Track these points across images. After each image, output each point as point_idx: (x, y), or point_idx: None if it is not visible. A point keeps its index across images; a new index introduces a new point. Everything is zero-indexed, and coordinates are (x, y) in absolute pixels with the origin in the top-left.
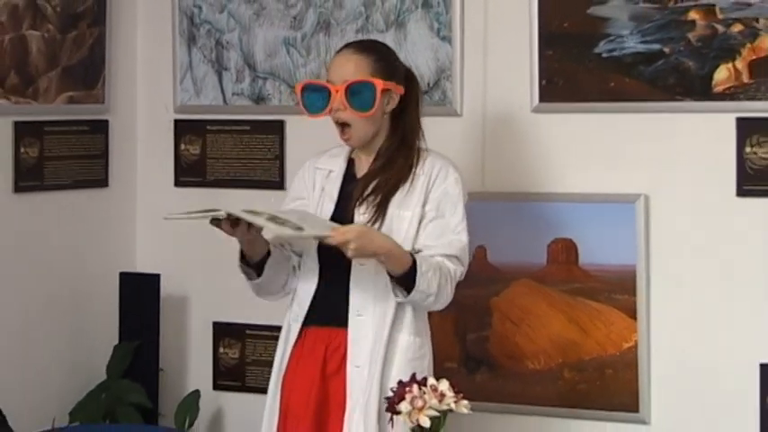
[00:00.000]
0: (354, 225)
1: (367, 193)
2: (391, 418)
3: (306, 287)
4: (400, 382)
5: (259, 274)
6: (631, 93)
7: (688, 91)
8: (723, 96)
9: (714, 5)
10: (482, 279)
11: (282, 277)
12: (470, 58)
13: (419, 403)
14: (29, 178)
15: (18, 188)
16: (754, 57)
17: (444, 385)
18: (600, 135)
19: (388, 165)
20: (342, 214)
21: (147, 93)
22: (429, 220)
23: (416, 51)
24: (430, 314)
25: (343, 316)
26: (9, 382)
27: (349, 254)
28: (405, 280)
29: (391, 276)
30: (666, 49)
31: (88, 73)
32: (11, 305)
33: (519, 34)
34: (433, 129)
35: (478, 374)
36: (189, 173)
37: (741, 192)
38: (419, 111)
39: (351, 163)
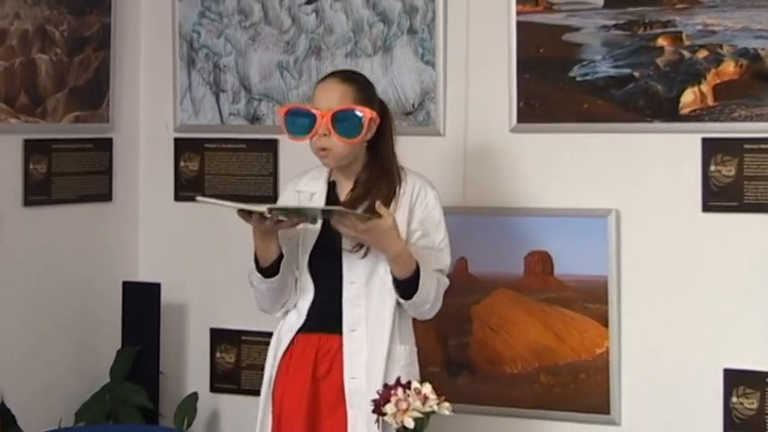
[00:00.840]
0: (377, 222)
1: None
2: (378, 420)
3: (302, 302)
4: (386, 386)
5: (273, 276)
6: (603, 114)
7: (656, 113)
8: (689, 118)
9: (681, 32)
10: (463, 288)
11: (289, 288)
12: (453, 82)
13: (404, 405)
14: (37, 193)
15: (27, 202)
16: (718, 81)
17: (427, 388)
18: (574, 154)
19: (371, 189)
20: (327, 237)
21: (148, 113)
22: (416, 239)
23: (402, 75)
24: (414, 321)
25: (337, 327)
26: (18, 385)
27: (363, 242)
28: (406, 285)
29: (395, 279)
30: (636, 74)
31: (93, 94)
32: (20, 312)
33: (498, 59)
34: (417, 147)
35: (460, 378)
36: (188, 188)
37: (706, 207)
38: (393, 138)
39: (331, 185)
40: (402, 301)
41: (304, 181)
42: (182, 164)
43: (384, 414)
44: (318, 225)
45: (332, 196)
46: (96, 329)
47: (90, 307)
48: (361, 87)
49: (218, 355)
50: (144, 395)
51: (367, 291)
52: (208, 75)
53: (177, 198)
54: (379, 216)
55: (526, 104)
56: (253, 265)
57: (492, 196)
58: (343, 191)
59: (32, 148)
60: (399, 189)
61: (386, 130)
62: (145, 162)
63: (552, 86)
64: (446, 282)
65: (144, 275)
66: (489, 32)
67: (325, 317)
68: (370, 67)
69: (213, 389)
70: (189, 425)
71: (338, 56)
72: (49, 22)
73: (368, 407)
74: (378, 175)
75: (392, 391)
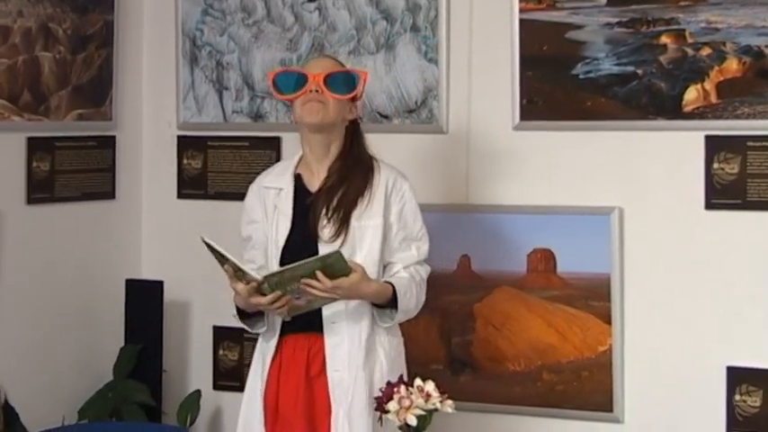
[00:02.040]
0: (346, 279)
1: (329, 207)
2: (380, 417)
3: None
4: (389, 383)
5: (259, 320)
6: (606, 112)
7: (659, 110)
8: (692, 115)
9: (684, 30)
10: (466, 286)
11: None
12: (455, 79)
13: (406, 403)
14: (40, 191)
15: (30, 200)
16: (721, 78)
17: (430, 386)
18: (577, 151)
19: (346, 179)
20: (300, 230)
21: (151, 110)
22: (395, 233)
23: (405, 72)
24: (415, 318)
25: (319, 323)
26: (22, 383)
27: (338, 298)
28: (386, 307)
29: (375, 306)
30: (639, 71)
31: (97, 92)
32: (24, 310)
33: (501, 57)
34: (420, 145)
35: (462, 376)
36: (191, 186)
37: (709, 205)
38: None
39: (298, 178)
40: (389, 325)
41: (270, 177)
42: (185, 161)
43: (387, 411)
44: (289, 221)
45: (299, 190)
46: (99, 327)
47: (93, 305)
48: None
49: (220, 352)
50: (147, 393)
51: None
52: (211, 72)
53: (180, 196)
54: (347, 273)
55: (529, 102)
56: (235, 311)
57: (495, 194)
58: (312, 182)
59: (35, 146)
60: (373, 179)
61: (359, 130)
62: (148, 160)
63: (555, 84)
64: (427, 270)
65: (147, 273)
66: (492, 30)
67: (309, 315)
68: (373, 65)
69: (216, 386)
70: (192, 422)
71: (341, 53)
72: (52, 19)
73: (350, 398)
74: (352, 165)
75: (395, 389)
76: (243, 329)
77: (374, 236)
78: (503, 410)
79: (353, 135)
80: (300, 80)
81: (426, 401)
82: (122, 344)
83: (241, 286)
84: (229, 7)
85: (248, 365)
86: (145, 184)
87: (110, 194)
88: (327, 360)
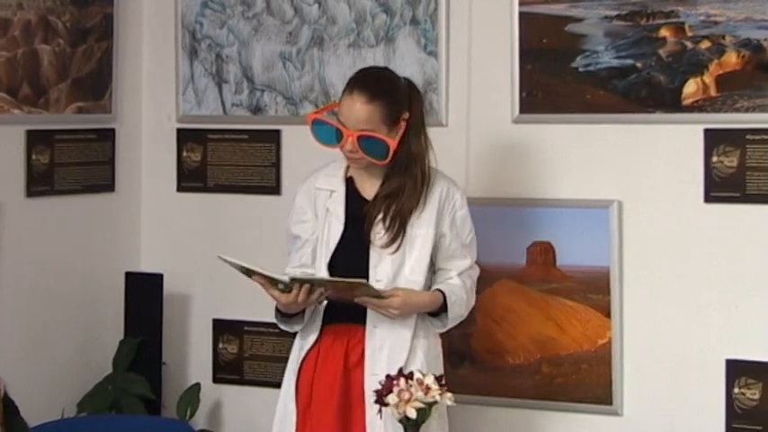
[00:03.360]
0: (396, 299)
1: (381, 216)
2: (380, 410)
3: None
4: (388, 376)
5: (298, 319)
6: (606, 105)
7: (659, 103)
8: (692, 109)
9: (684, 23)
10: None
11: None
12: (455, 72)
13: (406, 395)
14: (40, 183)
15: (30, 193)
16: (721, 72)
17: (430, 378)
18: (576, 144)
19: (400, 188)
20: (353, 235)
21: (151, 103)
22: (449, 241)
23: (404, 65)
24: None
25: (362, 316)
26: (21, 375)
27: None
28: (438, 312)
29: (428, 314)
30: (639, 64)
31: (96, 84)
32: (23, 303)
33: (501, 50)
34: None
35: (462, 368)
36: (190, 178)
37: (708, 198)
38: (424, 128)
39: (349, 181)
40: (441, 331)
41: (322, 178)
42: (184, 154)
43: (386, 404)
44: (341, 225)
45: (351, 194)
46: (99, 320)
47: (93, 297)
48: (388, 101)
49: (220, 345)
50: (146, 386)
51: (393, 288)
52: (210, 65)
53: (180, 189)
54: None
55: (529, 95)
56: (279, 319)
57: (494, 187)
58: (365, 187)
59: (35, 139)
60: (426, 189)
61: (416, 120)
62: (147, 153)
63: (555, 77)
64: (476, 274)
65: (146, 266)
66: (492, 23)
67: (351, 310)
68: (372, 58)
69: (216, 379)
70: (191, 415)
71: (341, 46)
72: (51, 12)
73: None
74: (406, 169)
75: (394, 382)
76: (243, 321)
77: (423, 244)
78: (502, 403)
79: (407, 141)
80: (338, 135)
81: (426, 394)
82: (122, 337)
83: (278, 293)
84: (229, 0)
85: (247, 358)
86: (144, 177)
87: (109, 187)
88: (366, 362)
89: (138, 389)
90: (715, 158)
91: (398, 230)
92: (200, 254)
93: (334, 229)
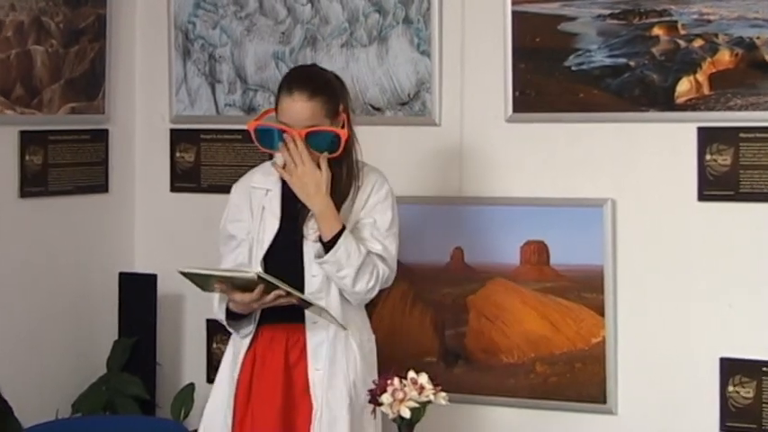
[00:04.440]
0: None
1: None
2: (374, 410)
3: None
4: (382, 376)
5: (247, 322)
6: (599, 104)
7: (652, 102)
8: (685, 107)
9: (677, 22)
10: (459, 278)
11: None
12: (448, 72)
13: (400, 395)
14: (33, 184)
15: (23, 194)
16: (714, 70)
17: (424, 378)
18: (569, 143)
19: (336, 186)
20: (287, 232)
21: (144, 104)
22: (365, 226)
23: (398, 65)
24: (402, 312)
25: (300, 318)
26: (15, 376)
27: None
28: (329, 246)
29: (320, 241)
30: (632, 63)
31: (89, 85)
32: (17, 304)
33: (494, 49)
34: (412, 138)
35: (456, 368)
36: (184, 179)
37: (702, 197)
38: (351, 120)
39: (285, 181)
40: (318, 260)
41: (257, 177)
42: (177, 155)
43: (380, 404)
44: (277, 221)
45: (287, 192)
46: (93, 320)
47: (86, 298)
48: (327, 95)
49: (214, 345)
50: (141, 386)
51: (328, 284)
52: (203, 65)
53: (173, 189)
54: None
55: (521, 94)
56: (222, 316)
57: (487, 186)
58: None
59: (28, 140)
60: (356, 183)
61: (346, 113)
62: (141, 153)
63: (548, 76)
64: (386, 273)
65: (140, 266)
66: (485, 22)
67: (287, 309)
68: (365, 58)
69: (210, 380)
70: (186, 416)
71: (334, 46)
72: (44, 13)
73: (329, 397)
74: (340, 172)
75: (388, 381)
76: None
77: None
78: (496, 402)
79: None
80: (281, 136)
81: (420, 394)
82: (116, 337)
83: (239, 294)
84: (222, 0)
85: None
86: (138, 178)
87: (103, 188)
88: (309, 358)
89: (132, 389)
90: (708, 157)
91: None
92: (193, 254)
93: (270, 225)
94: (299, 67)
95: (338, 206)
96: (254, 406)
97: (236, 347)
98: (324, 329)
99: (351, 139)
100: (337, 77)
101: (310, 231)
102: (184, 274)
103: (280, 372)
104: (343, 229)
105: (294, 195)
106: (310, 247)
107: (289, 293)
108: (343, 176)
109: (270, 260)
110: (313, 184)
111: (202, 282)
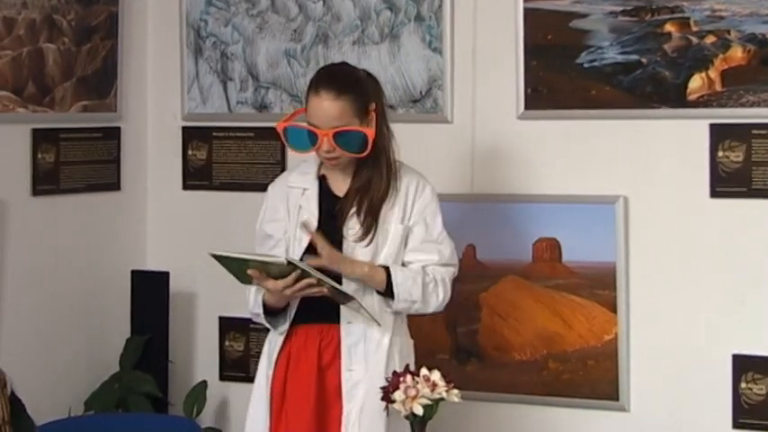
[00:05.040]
0: (325, 251)
1: (354, 210)
2: (386, 407)
3: None
4: (395, 373)
5: (283, 317)
6: (611, 101)
7: (664, 99)
8: (697, 104)
9: (689, 18)
10: (471, 276)
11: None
12: (460, 69)
13: (412, 392)
14: (46, 182)
15: (36, 191)
16: (726, 66)
17: (436, 375)
18: (581, 140)
19: (369, 180)
20: (325, 232)
21: (156, 101)
22: (416, 235)
23: (409, 62)
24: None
25: (335, 318)
26: (28, 374)
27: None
28: (388, 293)
29: (378, 292)
30: (644, 60)
31: (101, 83)
32: (30, 301)
33: (506, 46)
34: (424, 135)
35: (468, 365)
36: (196, 177)
37: (714, 193)
38: (387, 119)
39: (323, 179)
40: (390, 311)
41: (294, 176)
42: (189, 152)
43: (393, 401)
44: (315, 221)
45: (324, 191)
46: (105, 318)
47: (99, 296)
48: (355, 94)
49: (226, 343)
50: (153, 384)
51: (364, 284)
52: (215, 63)
53: (185, 187)
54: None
55: (533, 91)
56: (259, 310)
57: (500, 183)
58: (337, 184)
59: (40, 138)
60: (393, 184)
61: (379, 112)
62: (153, 151)
63: (560, 73)
64: (451, 272)
65: (152, 264)
66: (497, 19)
67: (323, 309)
68: (377, 55)
69: (222, 377)
70: (198, 413)
71: (345, 44)
72: (56, 11)
73: (362, 398)
74: (373, 164)
75: (401, 378)
76: (249, 319)
77: (394, 239)
78: (508, 399)
79: (375, 137)
80: (312, 138)
81: (432, 391)
82: (128, 335)
83: (272, 282)
84: None
85: (254, 356)
86: (150, 176)
87: (115, 186)
88: (343, 358)
89: (144, 387)
90: (720, 153)
91: (371, 223)
92: (206, 252)
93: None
94: (328, 66)
95: (376, 208)
96: (288, 406)
97: (271, 347)
98: (358, 329)
99: (385, 137)
100: (370, 75)
101: (350, 231)
102: (215, 256)
103: (313, 372)
104: (389, 271)
105: (332, 195)
106: (349, 247)
107: (320, 282)
108: (383, 176)
109: (308, 260)
110: (336, 265)
111: (235, 269)
